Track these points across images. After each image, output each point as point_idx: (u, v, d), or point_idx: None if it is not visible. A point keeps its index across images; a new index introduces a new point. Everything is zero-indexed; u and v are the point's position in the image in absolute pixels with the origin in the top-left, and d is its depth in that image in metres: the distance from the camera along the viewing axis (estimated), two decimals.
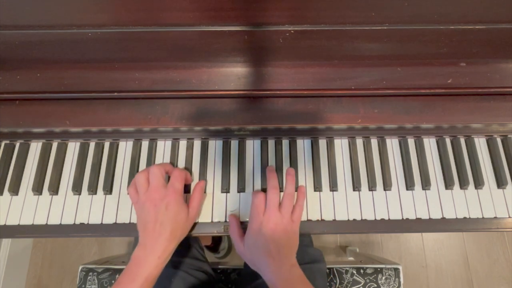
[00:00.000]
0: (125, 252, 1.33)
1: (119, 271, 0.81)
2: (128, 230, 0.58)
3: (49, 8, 0.49)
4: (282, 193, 0.56)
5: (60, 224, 0.58)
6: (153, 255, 0.49)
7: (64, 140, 0.62)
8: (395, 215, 0.58)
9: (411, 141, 0.62)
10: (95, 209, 0.59)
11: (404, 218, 0.58)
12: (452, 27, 0.51)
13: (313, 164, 0.61)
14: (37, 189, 0.59)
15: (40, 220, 0.58)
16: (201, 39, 0.52)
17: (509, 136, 0.62)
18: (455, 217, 0.58)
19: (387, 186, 0.59)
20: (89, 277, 0.81)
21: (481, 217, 0.58)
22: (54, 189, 0.59)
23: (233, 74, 0.57)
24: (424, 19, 0.50)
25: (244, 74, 0.57)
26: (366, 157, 0.61)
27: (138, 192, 0.53)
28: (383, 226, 0.58)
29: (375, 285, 0.80)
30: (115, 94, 0.56)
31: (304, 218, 0.57)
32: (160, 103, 0.57)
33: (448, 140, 0.62)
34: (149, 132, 0.61)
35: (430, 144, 0.62)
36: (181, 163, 0.61)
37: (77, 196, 0.60)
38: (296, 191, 0.58)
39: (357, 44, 0.54)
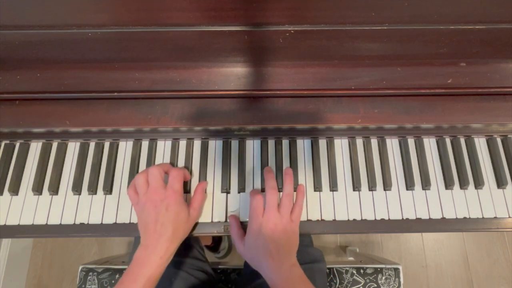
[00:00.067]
0: (125, 252, 1.33)
1: (119, 271, 0.81)
2: (128, 230, 0.58)
3: (49, 8, 0.49)
4: (281, 193, 0.56)
5: (60, 224, 0.58)
6: (155, 255, 0.49)
7: (64, 140, 0.62)
8: (395, 215, 0.58)
9: (411, 141, 0.62)
10: (95, 209, 0.59)
11: (404, 218, 0.58)
12: (452, 27, 0.51)
13: (313, 164, 0.61)
14: (37, 189, 0.59)
15: (40, 220, 0.58)
16: (201, 39, 0.52)
17: (509, 136, 0.62)
18: (455, 217, 0.58)
19: (387, 186, 0.59)
20: (89, 277, 0.81)
21: (481, 217, 0.58)
22: (54, 189, 0.59)
23: (233, 74, 0.57)
24: (424, 19, 0.50)
25: (244, 74, 0.57)
26: (366, 157, 0.61)
27: (137, 193, 0.53)
28: (383, 226, 0.58)
29: (375, 285, 0.80)
30: (115, 94, 0.56)
31: (304, 218, 0.57)
32: (160, 103, 0.57)
33: (448, 140, 0.62)
34: (149, 132, 0.61)
35: (430, 144, 0.62)
36: (181, 163, 0.61)
37: (77, 196, 0.60)
38: (295, 190, 0.58)
39: (357, 44, 0.54)
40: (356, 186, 0.59)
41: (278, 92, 0.56)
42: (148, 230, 0.51)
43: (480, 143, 0.62)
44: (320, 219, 0.58)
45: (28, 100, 0.58)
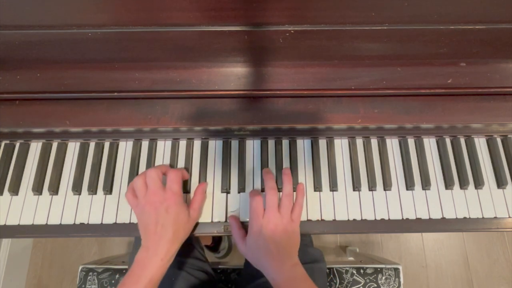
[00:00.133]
0: (125, 252, 1.33)
1: (119, 271, 0.81)
2: (128, 230, 0.58)
3: (49, 8, 0.49)
4: (281, 193, 0.56)
5: (60, 224, 0.58)
6: (156, 257, 0.50)
7: (64, 140, 0.62)
8: (395, 215, 0.58)
9: (411, 141, 0.62)
10: (95, 209, 0.59)
11: (404, 218, 0.58)
12: (452, 27, 0.51)
13: (313, 164, 0.61)
14: (37, 189, 0.59)
15: (40, 220, 0.58)
16: (201, 39, 0.52)
17: (509, 136, 0.62)
18: (455, 217, 0.58)
19: (387, 186, 0.59)
20: (89, 277, 0.81)
21: (481, 217, 0.58)
22: (54, 189, 0.59)
23: (233, 74, 0.57)
24: (424, 19, 0.50)
25: (244, 74, 0.57)
26: (366, 157, 0.61)
27: (136, 196, 0.53)
28: (383, 226, 0.58)
29: (375, 285, 0.80)
30: (115, 94, 0.56)
31: (304, 218, 0.57)
32: (160, 103, 0.57)
33: (448, 140, 0.62)
34: (149, 132, 0.61)
35: (430, 144, 0.62)
36: (181, 163, 0.61)
37: (77, 196, 0.60)
38: (295, 190, 0.58)
39: (357, 44, 0.54)
40: (356, 186, 0.59)
41: (278, 92, 0.56)
42: (149, 232, 0.51)
43: (480, 143, 0.62)
44: (320, 219, 0.58)
45: (28, 100, 0.58)
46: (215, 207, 0.59)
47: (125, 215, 0.58)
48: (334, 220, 0.58)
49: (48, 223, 0.58)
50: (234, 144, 0.62)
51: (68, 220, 0.58)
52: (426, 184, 0.59)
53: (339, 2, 0.48)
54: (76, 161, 0.62)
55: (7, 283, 1.22)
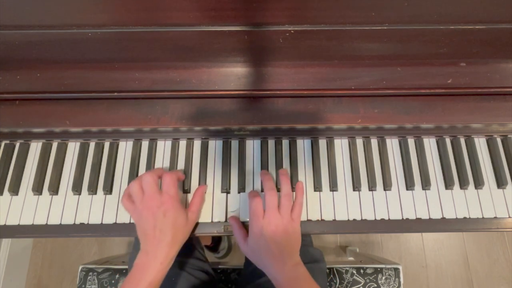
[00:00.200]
0: (125, 252, 1.33)
1: (119, 271, 0.81)
2: (128, 230, 0.58)
3: (49, 8, 0.49)
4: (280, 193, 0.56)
5: (60, 224, 0.58)
6: (155, 261, 0.50)
7: (64, 140, 0.62)
8: (395, 215, 0.58)
9: (411, 141, 0.62)
10: (95, 209, 0.59)
11: (404, 218, 0.58)
12: (452, 27, 0.51)
13: (313, 164, 0.61)
14: (37, 189, 0.59)
15: (40, 220, 0.58)
16: (201, 39, 0.52)
17: (509, 136, 0.62)
18: (455, 217, 0.58)
19: (387, 186, 0.59)
20: (89, 277, 0.81)
21: (481, 217, 0.58)
22: (54, 189, 0.59)
23: (233, 74, 0.57)
24: (424, 19, 0.50)
25: (244, 74, 0.57)
26: (366, 157, 0.61)
27: (133, 201, 0.53)
28: (383, 226, 0.57)
29: (375, 285, 0.80)
30: (115, 94, 0.56)
31: (304, 218, 0.57)
32: (160, 103, 0.57)
33: (448, 140, 0.62)
34: (149, 132, 0.61)
35: (430, 144, 0.62)
36: (181, 163, 0.61)
37: (77, 196, 0.60)
38: (294, 191, 0.58)
39: (357, 44, 0.54)
40: (356, 186, 0.59)
41: (278, 92, 0.56)
42: (147, 236, 0.51)
43: (480, 143, 0.62)
44: (320, 219, 0.58)
45: (28, 100, 0.58)
46: (215, 207, 0.59)
47: (125, 215, 0.58)
48: (334, 220, 0.58)
49: (48, 223, 0.58)
50: (234, 144, 0.62)
51: (68, 220, 0.58)
52: (426, 184, 0.59)
53: (339, 2, 0.48)
54: (76, 161, 0.62)
55: (7, 283, 1.22)
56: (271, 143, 0.62)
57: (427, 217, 0.58)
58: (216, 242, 1.22)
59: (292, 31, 0.51)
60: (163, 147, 0.62)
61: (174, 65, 0.56)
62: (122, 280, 0.80)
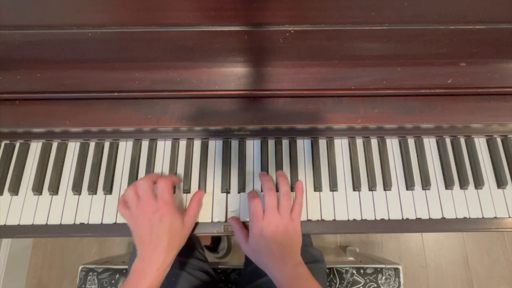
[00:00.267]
0: (125, 252, 1.33)
1: (119, 271, 0.81)
2: (128, 230, 0.57)
3: (49, 8, 0.49)
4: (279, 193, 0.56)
5: (60, 224, 0.58)
6: (152, 267, 0.49)
7: (64, 140, 0.62)
8: (395, 215, 0.58)
9: (411, 141, 0.62)
10: (95, 209, 0.59)
11: (404, 218, 0.58)
12: (452, 27, 0.51)
13: (313, 164, 0.61)
14: (37, 189, 0.59)
15: (40, 220, 0.58)
16: (201, 39, 0.52)
17: (509, 136, 0.62)
18: (455, 217, 0.58)
19: (387, 186, 0.59)
20: (89, 277, 0.81)
21: (481, 217, 0.58)
22: (54, 189, 0.59)
23: (233, 74, 0.57)
24: (424, 19, 0.50)
25: (244, 74, 0.57)
26: (366, 157, 0.61)
27: (128, 207, 0.53)
28: (383, 226, 0.57)
29: (375, 285, 0.80)
30: (115, 94, 0.56)
31: (304, 218, 0.57)
32: (160, 103, 0.57)
33: (448, 140, 0.62)
34: (149, 132, 0.61)
35: (430, 144, 0.62)
36: (181, 163, 0.61)
37: (77, 196, 0.60)
38: (293, 191, 0.58)
39: (357, 44, 0.54)
40: (356, 186, 0.59)
41: (278, 92, 0.56)
42: (143, 241, 0.50)
43: (480, 143, 0.62)
44: (320, 219, 0.58)
45: (28, 100, 0.58)
46: (215, 207, 0.59)
47: None
48: (334, 220, 0.58)
49: (48, 223, 0.58)
50: (234, 144, 0.62)
51: (68, 220, 0.58)
52: (426, 184, 0.59)
53: (339, 2, 0.48)
54: (76, 161, 0.62)
55: (7, 283, 1.22)
56: (271, 143, 0.62)
57: (427, 217, 0.58)
58: (215, 242, 1.22)
59: (292, 31, 0.51)
60: (163, 147, 0.62)
61: (174, 65, 0.56)
62: (122, 280, 0.80)
